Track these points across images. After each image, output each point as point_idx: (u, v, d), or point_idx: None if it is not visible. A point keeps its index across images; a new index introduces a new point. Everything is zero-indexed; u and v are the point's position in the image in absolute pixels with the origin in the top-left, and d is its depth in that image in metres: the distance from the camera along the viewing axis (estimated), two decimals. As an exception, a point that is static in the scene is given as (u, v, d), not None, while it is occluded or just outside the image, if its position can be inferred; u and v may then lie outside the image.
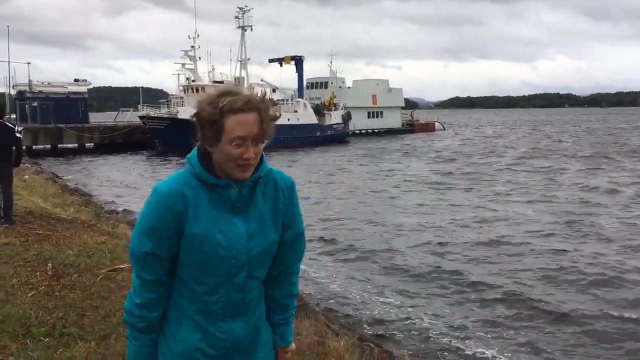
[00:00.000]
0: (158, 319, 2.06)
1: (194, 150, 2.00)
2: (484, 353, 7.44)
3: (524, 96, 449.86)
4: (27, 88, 45.12)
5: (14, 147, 9.34)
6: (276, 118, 1.98)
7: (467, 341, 7.80)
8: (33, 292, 5.66)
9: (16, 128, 10.83)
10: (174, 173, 2.01)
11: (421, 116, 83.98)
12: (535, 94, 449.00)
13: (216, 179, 1.95)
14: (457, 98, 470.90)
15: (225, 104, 1.88)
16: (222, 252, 1.95)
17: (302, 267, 2.34)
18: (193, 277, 2.00)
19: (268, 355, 2.17)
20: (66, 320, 4.93)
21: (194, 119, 1.95)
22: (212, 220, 1.95)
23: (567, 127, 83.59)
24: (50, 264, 6.66)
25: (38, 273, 6.36)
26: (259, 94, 2.01)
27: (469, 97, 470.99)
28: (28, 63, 48.66)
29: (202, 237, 1.94)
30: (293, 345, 2.29)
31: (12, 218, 9.24)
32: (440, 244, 13.34)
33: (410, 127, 71.94)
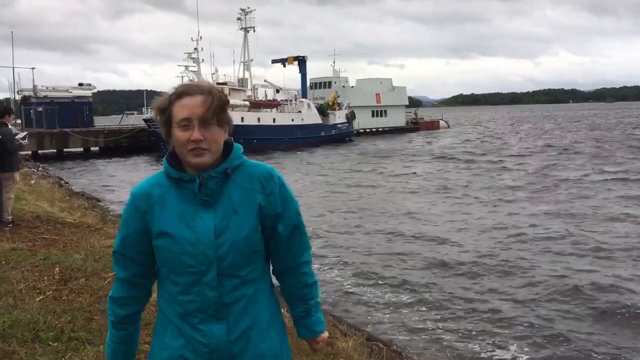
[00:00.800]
0: (126, 319, 2.08)
1: (168, 150, 2.04)
2: (493, 353, 7.41)
3: (528, 92, 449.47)
4: (32, 93, 45.23)
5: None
6: (226, 102, 1.98)
7: (476, 342, 7.76)
8: (41, 297, 5.66)
9: (21, 133, 10.87)
10: (151, 175, 2.06)
11: (425, 114, 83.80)
12: (540, 90, 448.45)
13: (180, 172, 1.96)
14: (461, 95, 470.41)
15: (173, 92, 1.96)
16: (189, 248, 1.91)
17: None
18: (167, 276, 1.98)
19: None
20: (74, 324, 4.93)
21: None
22: (180, 216, 1.94)
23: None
24: (57, 269, 6.67)
25: (46, 277, 6.36)
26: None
27: (473, 94, 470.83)
28: (32, 68, 48.74)
29: (169, 234, 1.93)
30: (323, 335, 2.20)
31: (2, 220, 9.26)
32: (450, 245, 13.30)
33: (414, 126, 71.84)
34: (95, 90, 54.99)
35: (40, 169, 26.96)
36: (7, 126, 9.52)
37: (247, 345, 1.96)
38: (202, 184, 1.93)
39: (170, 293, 1.98)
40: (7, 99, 48.69)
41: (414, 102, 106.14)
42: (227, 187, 1.97)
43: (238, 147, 2.03)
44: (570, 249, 12.22)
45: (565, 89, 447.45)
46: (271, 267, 2.16)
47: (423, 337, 7.88)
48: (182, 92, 1.94)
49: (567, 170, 26.38)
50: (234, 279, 1.95)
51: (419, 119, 75.02)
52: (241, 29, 52.62)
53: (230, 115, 2.03)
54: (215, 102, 1.93)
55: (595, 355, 7.27)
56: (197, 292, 1.93)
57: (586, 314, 8.64)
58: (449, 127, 76.48)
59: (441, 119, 78.36)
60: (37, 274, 6.53)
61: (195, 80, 48.22)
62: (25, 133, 10.94)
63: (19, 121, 38.48)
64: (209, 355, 1.94)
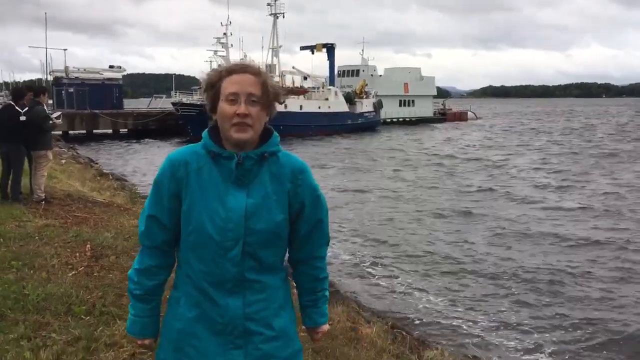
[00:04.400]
0: (155, 289, 2.12)
1: (210, 125, 2.09)
2: (516, 343, 7.38)
3: (560, 85, 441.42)
4: (63, 74, 45.97)
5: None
6: (274, 86, 2.03)
7: (499, 333, 7.74)
8: (73, 272, 5.81)
9: (54, 113, 11.10)
10: (191, 144, 2.10)
11: (453, 105, 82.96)
12: (572, 83, 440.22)
13: (219, 148, 2.00)
14: (490, 87, 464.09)
15: (224, 68, 2.04)
16: (219, 223, 1.96)
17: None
18: (190, 247, 2.02)
19: (280, 343, 2.06)
20: (105, 299, 5.05)
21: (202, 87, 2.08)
22: (213, 191, 1.98)
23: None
24: (89, 245, 6.82)
25: (77, 254, 6.52)
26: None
27: (502, 86, 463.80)
28: (65, 49, 49.54)
29: (201, 207, 1.97)
30: (324, 327, 2.28)
31: (19, 196, 9.51)
32: (479, 234, 13.23)
33: (442, 116, 71.21)
34: (125, 73, 55.60)
35: (71, 149, 27.46)
36: (42, 105, 9.73)
37: (261, 322, 2.01)
38: (239, 162, 1.97)
39: (191, 264, 2.02)
40: (40, 80, 49.64)
41: (442, 93, 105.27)
42: (261, 170, 2.02)
43: (276, 136, 2.08)
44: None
45: (599, 82, 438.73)
46: (287, 255, 2.21)
47: (447, 327, 7.87)
48: (233, 69, 2.01)
49: None
50: (256, 259, 2.00)
51: (447, 109, 74.33)
52: (271, 14, 52.49)
53: (277, 103, 2.08)
54: (264, 83, 2.00)
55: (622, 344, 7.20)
56: (220, 266, 1.97)
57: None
58: (477, 118, 75.62)
59: (469, 111, 77.46)
60: (69, 250, 6.69)
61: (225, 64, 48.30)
62: (59, 112, 11.16)
63: (50, 102, 39.13)
64: (222, 328, 1.98)
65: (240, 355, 1.99)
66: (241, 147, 1.99)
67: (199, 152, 2.03)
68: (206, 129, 2.07)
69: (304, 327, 2.31)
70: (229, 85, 1.98)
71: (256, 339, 2.01)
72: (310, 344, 4.47)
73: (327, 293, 2.29)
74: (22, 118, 9.33)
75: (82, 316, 4.67)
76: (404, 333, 6.44)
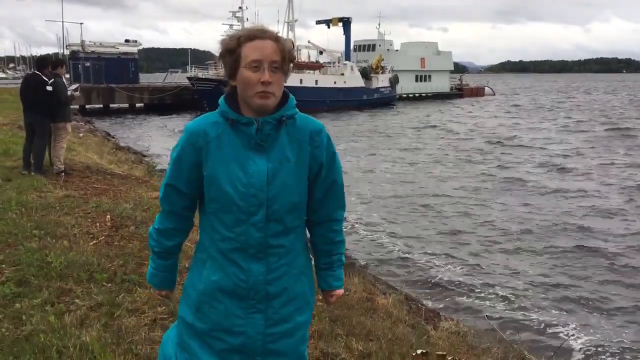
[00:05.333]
0: (173, 249, 2.20)
1: (225, 92, 2.09)
2: (535, 319, 7.41)
3: (579, 60, 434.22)
4: (79, 48, 46.09)
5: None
6: (292, 52, 2.04)
7: (515, 307, 7.77)
8: (94, 241, 5.91)
9: (73, 85, 11.15)
10: (207, 113, 2.10)
11: (470, 80, 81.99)
12: (592, 59, 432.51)
13: (237, 115, 2.00)
14: (508, 62, 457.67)
15: (242, 34, 2.00)
16: (241, 188, 1.98)
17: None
18: (214, 213, 2.04)
19: (297, 308, 2.12)
20: (126, 268, 5.14)
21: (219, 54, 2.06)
22: (234, 158, 1.99)
23: None
24: (108, 216, 6.92)
25: (98, 224, 6.62)
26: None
27: (521, 61, 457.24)
28: (81, 23, 49.76)
29: (223, 174, 1.99)
30: (338, 291, 2.32)
31: (43, 168, 9.59)
32: (493, 208, 13.20)
33: (459, 92, 70.48)
34: (141, 47, 55.58)
35: (87, 122, 27.66)
36: (61, 77, 9.79)
37: (282, 286, 2.06)
38: (258, 128, 1.99)
39: (215, 229, 2.05)
40: (56, 54, 49.78)
41: (459, 68, 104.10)
42: (280, 134, 2.03)
43: (293, 98, 2.08)
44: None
45: (619, 57, 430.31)
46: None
47: (462, 300, 7.92)
48: (253, 35, 1.97)
49: None
50: (279, 224, 2.03)
51: (463, 85, 73.50)
52: (286, -13, 51.99)
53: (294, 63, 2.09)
54: (283, 49, 1.99)
55: None
56: (243, 231, 2.00)
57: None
58: (494, 94, 74.74)
59: (487, 86, 76.54)
60: (89, 220, 6.79)
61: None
62: (77, 85, 11.22)
63: (67, 75, 39.32)
64: (246, 292, 2.03)
65: (261, 319, 2.04)
66: (262, 113, 1.99)
67: (217, 120, 2.04)
68: (222, 96, 2.07)
69: (320, 294, 2.34)
70: (251, 52, 1.95)
71: (276, 304, 2.06)
72: (327, 312, 4.54)
73: (343, 258, 2.32)
74: (49, 88, 9.33)
75: (103, 283, 4.76)
76: (419, 304, 6.49)
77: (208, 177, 2.02)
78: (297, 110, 2.08)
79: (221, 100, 2.06)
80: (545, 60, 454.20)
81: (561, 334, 6.94)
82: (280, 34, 2.05)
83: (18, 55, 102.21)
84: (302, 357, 2.19)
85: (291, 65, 2.05)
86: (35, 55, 48.46)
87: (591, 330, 7.08)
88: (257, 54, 1.95)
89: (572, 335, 6.94)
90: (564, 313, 7.56)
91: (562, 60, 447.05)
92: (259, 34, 1.98)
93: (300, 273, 2.12)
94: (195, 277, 2.12)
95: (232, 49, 1.99)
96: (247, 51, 1.96)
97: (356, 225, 11.62)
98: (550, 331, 7.07)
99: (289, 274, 2.07)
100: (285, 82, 2.06)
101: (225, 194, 1.99)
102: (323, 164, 2.09)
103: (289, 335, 2.09)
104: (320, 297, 2.39)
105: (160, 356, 2.31)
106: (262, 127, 1.99)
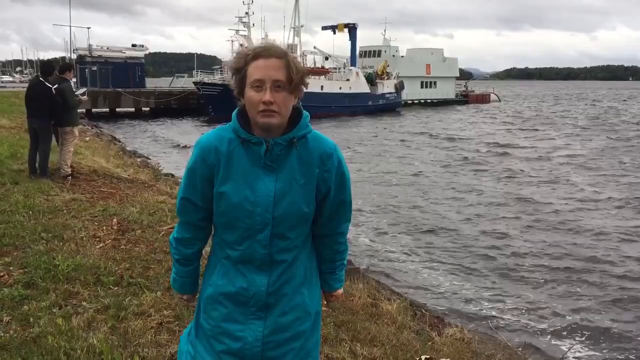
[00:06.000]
0: (192, 256, 2.27)
1: (238, 107, 2.11)
2: (538, 326, 7.39)
3: (586, 68, 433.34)
4: (87, 52, 46.31)
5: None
6: (300, 69, 2.02)
7: (520, 314, 7.75)
8: (101, 245, 5.95)
9: (80, 89, 11.24)
10: (219, 126, 2.13)
11: (476, 87, 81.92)
12: (598, 66, 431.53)
13: (248, 134, 2.02)
14: (514, 69, 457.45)
15: (249, 52, 2.01)
16: (248, 207, 2.01)
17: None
18: (223, 226, 2.10)
19: (297, 318, 2.15)
20: (133, 271, 5.18)
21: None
22: (242, 175, 2.02)
23: None
24: (115, 220, 6.96)
25: (104, 227, 6.67)
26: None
27: (526, 68, 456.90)
28: (88, 28, 50.10)
29: (232, 191, 2.03)
30: (338, 292, 2.41)
31: (48, 173, 9.65)
32: (495, 219, 13.19)
33: (464, 98, 70.45)
34: (147, 52, 55.82)
35: (94, 126, 27.79)
36: (68, 82, 9.87)
37: (281, 298, 2.11)
38: (268, 149, 2.01)
39: (224, 239, 2.12)
40: (63, 58, 50.07)
41: (465, 74, 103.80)
42: (290, 155, 2.05)
43: (306, 116, 2.09)
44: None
45: (626, 65, 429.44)
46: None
47: (466, 308, 7.91)
48: (258, 54, 1.98)
49: None
50: (284, 240, 2.07)
51: (469, 91, 73.47)
52: (293, -7, 52.13)
53: (304, 82, 2.07)
54: (289, 67, 1.99)
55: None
56: (249, 246, 2.06)
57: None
58: (499, 101, 74.65)
59: (492, 93, 76.47)
60: (96, 223, 6.84)
61: (248, 46, 48.37)
62: (85, 89, 11.31)
63: (74, 80, 39.47)
64: (246, 300, 2.09)
65: (260, 326, 2.10)
66: (269, 131, 2.01)
67: (229, 136, 2.06)
68: (235, 110, 2.09)
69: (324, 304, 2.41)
70: (254, 72, 1.97)
71: (275, 313, 2.11)
72: (332, 318, 4.57)
73: (345, 262, 2.39)
74: (54, 91, 9.41)
75: (110, 286, 4.80)
76: (424, 310, 6.50)
77: (218, 191, 2.05)
78: (310, 128, 2.09)
79: (234, 114, 2.08)
80: (551, 67, 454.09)
81: (566, 343, 6.92)
82: (287, 41, 2.03)
83: (25, 59, 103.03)
84: None
85: (303, 79, 2.04)
86: (43, 60, 48.68)
87: (595, 340, 7.05)
88: (260, 74, 1.96)
89: (577, 344, 6.92)
90: (569, 321, 7.53)
91: (568, 67, 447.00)
92: (263, 52, 1.98)
93: (300, 285, 2.16)
94: (206, 280, 2.20)
95: (240, 67, 2.01)
96: (251, 70, 1.98)
97: (361, 231, 11.64)
98: (555, 339, 7.04)
99: (289, 284, 2.12)
100: (299, 98, 2.06)
101: (233, 210, 2.03)
102: (332, 187, 2.13)
103: (288, 344, 2.14)
104: (325, 303, 2.46)
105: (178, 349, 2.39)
106: (272, 149, 2.01)
